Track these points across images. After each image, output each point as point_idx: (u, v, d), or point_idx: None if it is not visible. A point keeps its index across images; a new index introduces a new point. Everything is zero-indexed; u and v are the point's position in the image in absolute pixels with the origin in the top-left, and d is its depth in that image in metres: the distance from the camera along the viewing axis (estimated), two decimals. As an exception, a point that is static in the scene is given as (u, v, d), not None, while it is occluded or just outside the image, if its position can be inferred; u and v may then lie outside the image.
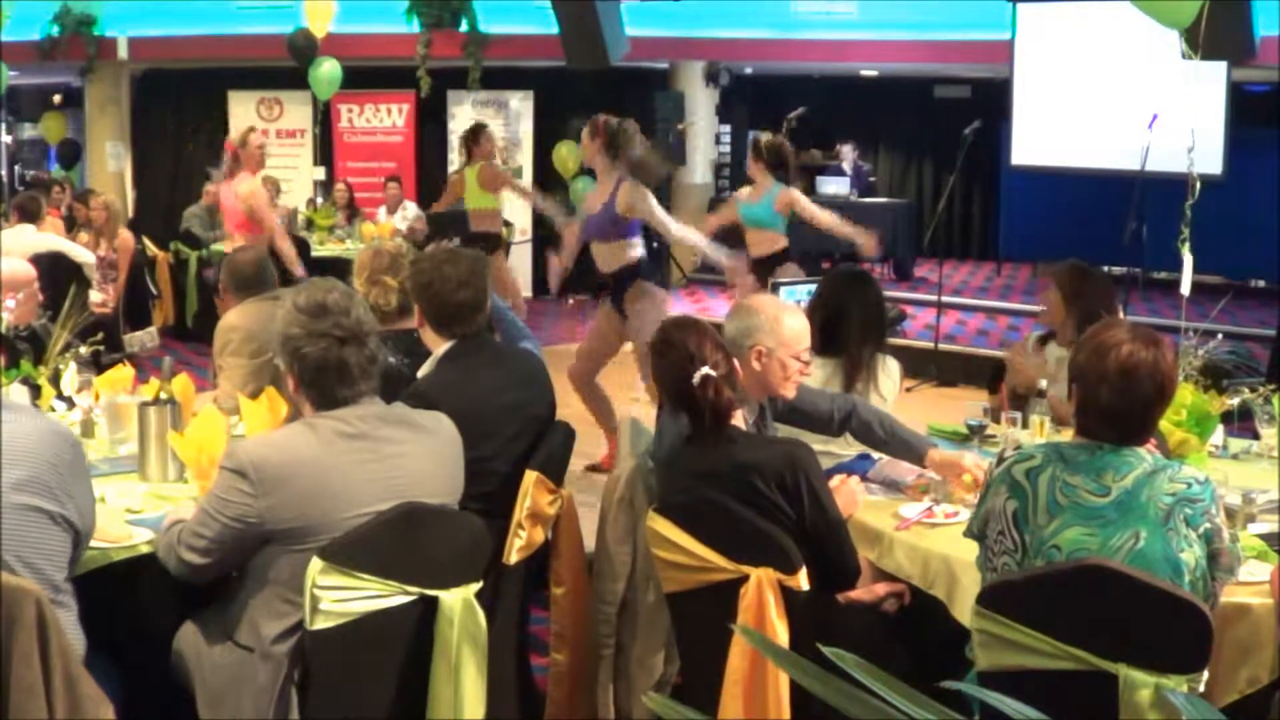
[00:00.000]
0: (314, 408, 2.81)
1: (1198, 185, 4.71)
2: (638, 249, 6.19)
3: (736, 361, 3.34)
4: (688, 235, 6.49)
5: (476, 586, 2.86)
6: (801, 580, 2.85)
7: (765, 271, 6.88)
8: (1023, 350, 4.74)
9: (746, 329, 3.43)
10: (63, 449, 2.66)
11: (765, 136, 7.46)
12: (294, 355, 2.77)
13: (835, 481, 3.34)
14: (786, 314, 3.48)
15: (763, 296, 3.80)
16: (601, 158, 6.13)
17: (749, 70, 14.00)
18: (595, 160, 6.19)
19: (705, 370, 3.02)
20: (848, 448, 3.92)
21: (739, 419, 3.11)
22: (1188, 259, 4.79)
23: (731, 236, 7.19)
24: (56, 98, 16.75)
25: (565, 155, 12.66)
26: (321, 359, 2.75)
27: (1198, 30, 4.60)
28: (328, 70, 11.68)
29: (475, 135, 8.60)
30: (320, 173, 13.39)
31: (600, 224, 6.14)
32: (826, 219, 6.99)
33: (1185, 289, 4.83)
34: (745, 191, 7.31)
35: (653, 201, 6.11)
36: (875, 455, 3.84)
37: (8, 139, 17.95)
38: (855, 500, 3.38)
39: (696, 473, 3.04)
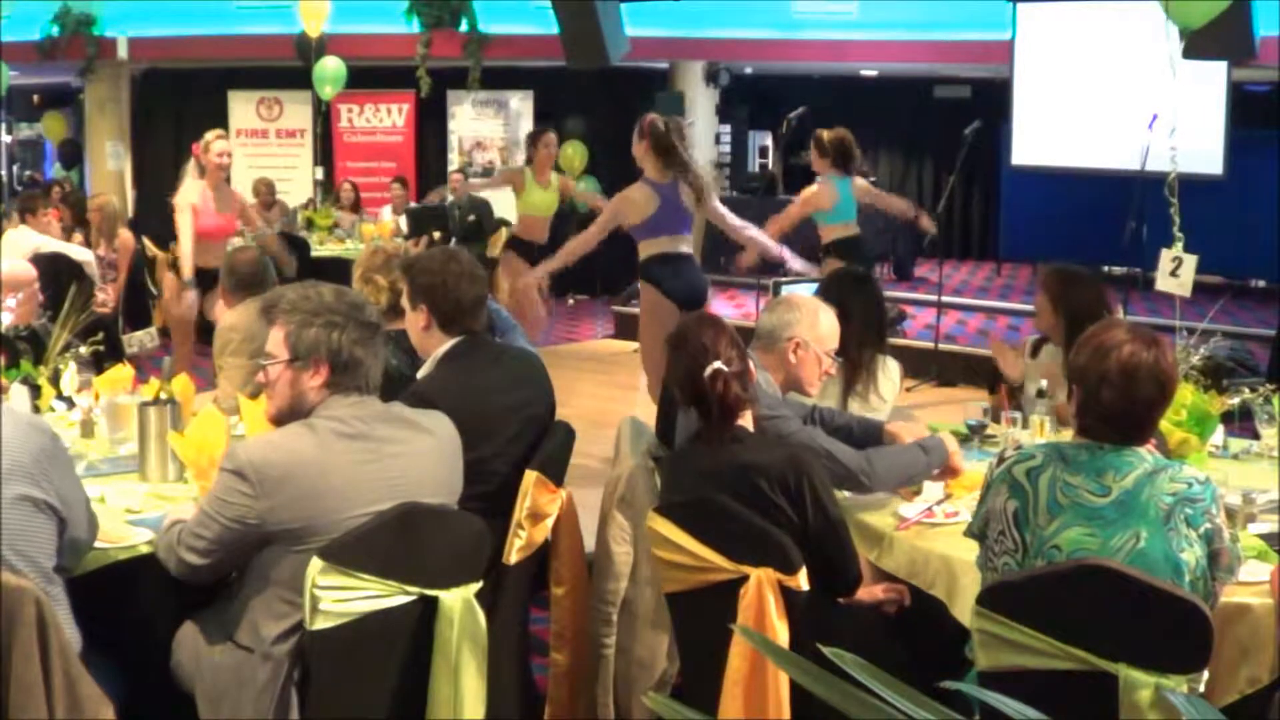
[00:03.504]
0: (328, 394, 2.80)
1: (1175, 185, 4.68)
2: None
3: (771, 354, 3.48)
4: None
5: (476, 586, 2.86)
6: (801, 580, 2.85)
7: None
8: (1004, 345, 4.81)
9: (786, 322, 3.53)
10: (38, 438, 2.67)
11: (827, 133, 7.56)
12: (339, 341, 2.77)
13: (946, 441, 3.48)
14: (823, 311, 3.58)
15: (800, 293, 3.87)
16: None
17: (749, 70, 13.99)
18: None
19: (717, 364, 3.03)
20: None
21: (747, 420, 3.11)
22: (1165, 256, 4.76)
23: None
24: (35, 98, 16.73)
25: (570, 155, 12.64)
26: (366, 350, 2.79)
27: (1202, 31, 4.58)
28: (333, 68, 11.61)
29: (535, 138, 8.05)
30: (320, 173, 13.39)
31: None
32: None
33: (1163, 286, 4.80)
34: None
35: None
36: None
37: (7, 139, 17.94)
38: (958, 454, 3.46)
39: (700, 472, 3.05)
